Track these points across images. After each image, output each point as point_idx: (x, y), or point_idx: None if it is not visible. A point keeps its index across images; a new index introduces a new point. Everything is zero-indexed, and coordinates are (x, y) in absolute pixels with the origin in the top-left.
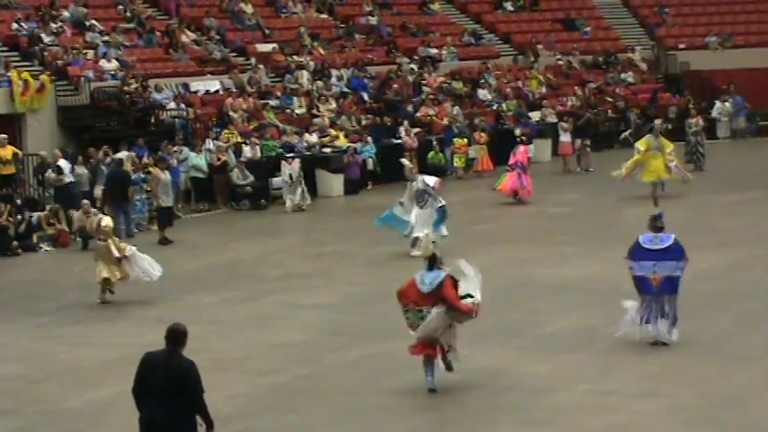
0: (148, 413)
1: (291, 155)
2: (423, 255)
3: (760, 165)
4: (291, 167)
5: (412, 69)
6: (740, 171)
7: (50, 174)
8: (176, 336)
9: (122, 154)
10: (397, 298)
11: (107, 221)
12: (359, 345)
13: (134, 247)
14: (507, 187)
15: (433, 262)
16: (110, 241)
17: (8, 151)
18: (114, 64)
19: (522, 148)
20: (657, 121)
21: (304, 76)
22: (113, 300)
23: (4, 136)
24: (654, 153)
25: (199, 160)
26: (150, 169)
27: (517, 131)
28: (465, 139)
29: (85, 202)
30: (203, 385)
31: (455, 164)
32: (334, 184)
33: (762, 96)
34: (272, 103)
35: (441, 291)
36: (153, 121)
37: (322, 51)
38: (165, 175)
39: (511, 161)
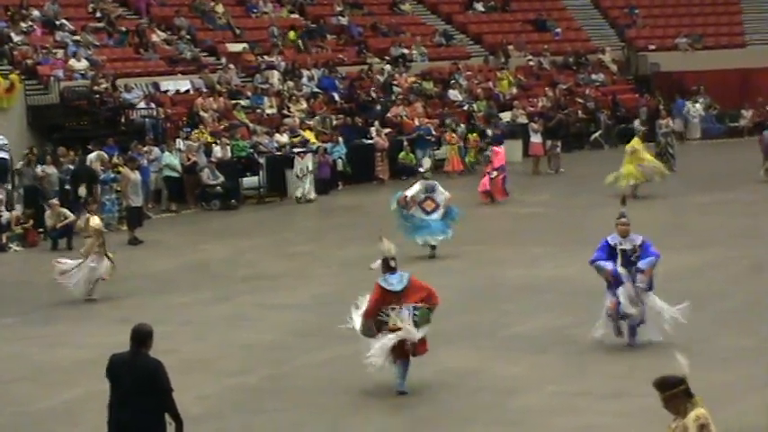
0: (117, 414)
1: (303, 150)
2: (386, 257)
3: (730, 166)
4: (303, 162)
5: (382, 70)
6: (711, 172)
7: None
8: (141, 336)
9: (93, 154)
10: (371, 310)
11: (96, 221)
12: (329, 345)
13: (93, 264)
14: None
15: (394, 265)
16: (92, 240)
17: None
18: (84, 63)
19: (498, 149)
20: (636, 123)
21: (274, 76)
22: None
23: None
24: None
25: (172, 159)
26: (120, 169)
27: (489, 132)
28: (476, 134)
29: (54, 201)
30: (172, 384)
31: (467, 159)
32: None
33: (731, 97)
34: (243, 102)
35: (414, 284)
36: (123, 120)
37: (301, 45)
38: (135, 175)
39: (496, 165)
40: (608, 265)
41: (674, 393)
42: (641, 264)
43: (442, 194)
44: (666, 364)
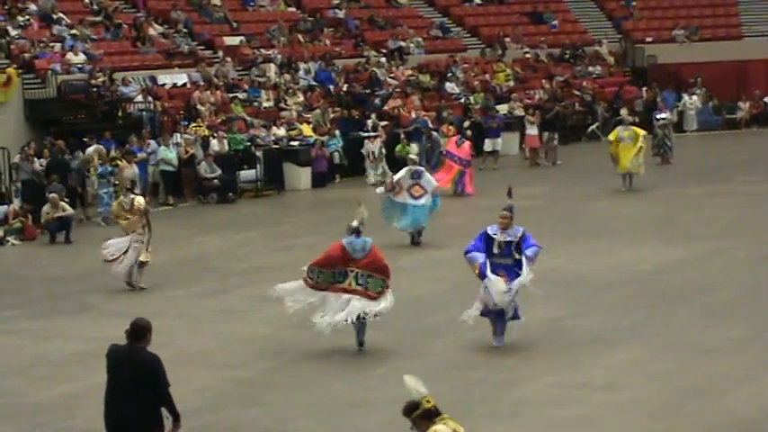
0: (114, 408)
1: (374, 134)
2: (358, 223)
3: (727, 158)
4: (374, 145)
5: (378, 62)
6: (707, 164)
7: None
8: (138, 331)
9: (90, 148)
10: (322, 260)
11: (141, 200)
12: (325, 338)
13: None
14: (446, 181)
15: (360, 230)
16: (144, 219)
17: None
18: (81, 57)
19: (467, 143)
20: (623, 111)
21: (271, 70)
22: (80, 290)
23: None
24: (625, 144)
25: (168, 153)
26: (118, 162)
27: (465, 123)
28: None
29: (53, 195)
30: (169, 378)
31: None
32: (301, 177)
33: (728, 89)
34: (240, 96)
35: (372, 254)
36: (120, 114)
37: (300, 38)
38: (132, 168)
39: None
40: (479, 259)
41: (414, 418)
42: (529, 252)
43: (430, 183)
44: (659, 356)
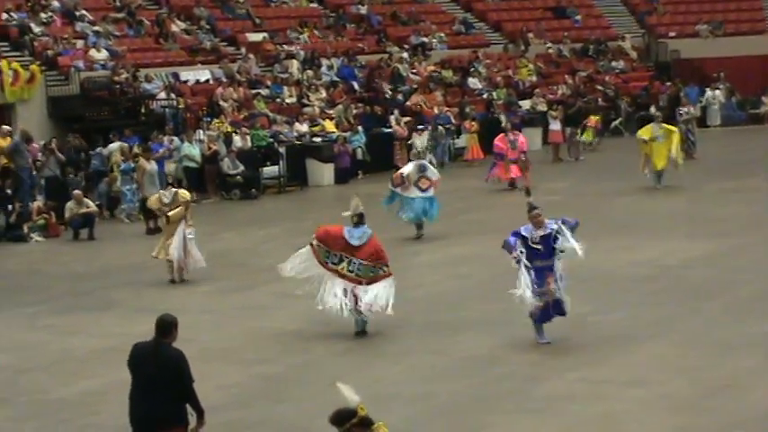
0: (138, 405)
1: (421, 127)
2: (352, 213)
3: (751, 153)
4: (421, 138)
5: (401, 58)
6: (731, 159)
7: None
8: (164, 327)
9: (114, 145)
10: (321, 234)
11: (185, 192)
12: (350, 334)
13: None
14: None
15: (360, 219)
16: (186, 211)
17: (9, 142)
18: (104, 54)
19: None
20: (653, 109)
21: (294, 66)
22: (100, 286)
23: (7, 127)
24: (658, 143)
25: (192, 150)
26: (138, 159)
27: (503, 119)
28: (598, 116)
29: (77, 192)
30: (193, 374)
31: (584, 138)
32: (324, 173)
33: (752, 84)
34: (263, 92)
35: (370, 243)
36: (143, 111)
37: (317, 33)
38: (151, 165)
39: (511, 156)
40: (515, 248)
41: (348, 428)
42: (571, 220)
43: (434, 174)
44: (685, 352)
